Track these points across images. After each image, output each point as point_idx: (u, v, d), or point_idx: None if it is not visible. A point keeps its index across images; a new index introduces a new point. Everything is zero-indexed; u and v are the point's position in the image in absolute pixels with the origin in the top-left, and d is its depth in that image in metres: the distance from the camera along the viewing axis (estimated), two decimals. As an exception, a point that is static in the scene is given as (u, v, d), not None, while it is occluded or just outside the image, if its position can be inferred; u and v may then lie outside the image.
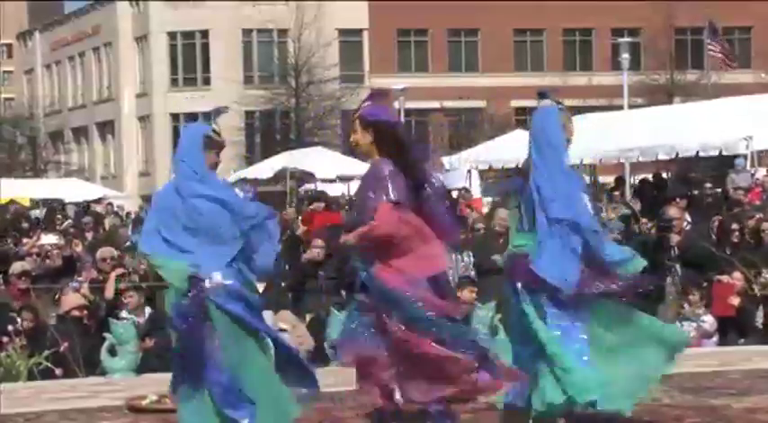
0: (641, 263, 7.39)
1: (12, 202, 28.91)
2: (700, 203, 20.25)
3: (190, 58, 56.97)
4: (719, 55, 36.53)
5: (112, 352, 11.11)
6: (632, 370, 7.27)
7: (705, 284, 13.58)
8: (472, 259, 13.53)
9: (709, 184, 21.22)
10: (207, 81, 56.78)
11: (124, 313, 12.44)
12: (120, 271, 13.79)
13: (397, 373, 6.85)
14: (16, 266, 14.03)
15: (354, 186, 31.25)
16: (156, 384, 10.22)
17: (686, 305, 13.24)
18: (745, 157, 22.56)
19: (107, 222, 26.25)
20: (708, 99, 31.42)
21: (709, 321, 13.13)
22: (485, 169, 29.81)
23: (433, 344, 6.80)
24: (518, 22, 57.06)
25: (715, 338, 13.08)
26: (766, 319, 13.29)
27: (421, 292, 6.84)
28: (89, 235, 21.93)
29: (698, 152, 23.02)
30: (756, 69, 54.38)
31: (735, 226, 15.15)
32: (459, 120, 55.10)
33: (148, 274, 14.48)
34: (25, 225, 22.05)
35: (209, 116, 7.07)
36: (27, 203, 32.47)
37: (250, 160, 49.84)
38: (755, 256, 14.21)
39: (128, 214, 32.89)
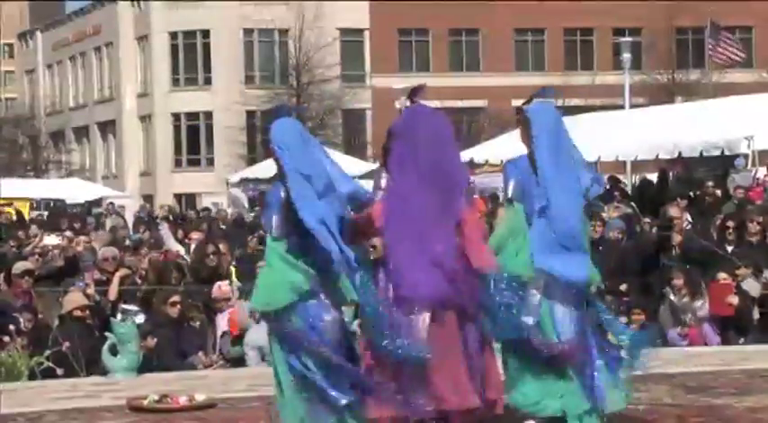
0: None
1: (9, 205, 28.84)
2: (701, 203, 20.22)
3: (191, 57, 56.95)
4: (725, 52, 36.44)
5: (114, 351, 11.10)
6: None
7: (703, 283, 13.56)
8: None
9: (710, 183, 21.18)
10: (208, 81, 56.78)
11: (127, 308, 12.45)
12: (124, 272, 13.79)
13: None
14: (19, 266, 14.01)
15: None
16: (157, 384, 10.24)
17: (672, 296, 13.22)
18: (745, 156, 22.53)
19: (108, 222, 26.28)
20: (709, 99, 31.40)
21: (703, 308, 13.12)
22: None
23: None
24: (519, 22, 57.04)
25: (717, 338, 13.06)
26: (762, 318, 13.28)
27: None
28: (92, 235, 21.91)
29: (702, 152, 22.99)
30: (757, 69, 54.41)
31: (730, 223, 15.11)
32: (461, 119, 55.09)
33: (148, 274, 14.51)
34: (34, 227, 22.02)
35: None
36: (26, 206, 32.38)
37: (251, 160, 49.86)
38: (757, 254, 14.20)
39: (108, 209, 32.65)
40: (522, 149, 7.68)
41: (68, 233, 20.23)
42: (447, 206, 7.00)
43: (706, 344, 12.86)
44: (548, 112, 7.53)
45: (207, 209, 36.37)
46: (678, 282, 13.19)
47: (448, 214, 7.01)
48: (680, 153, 23.68)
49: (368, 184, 7.41)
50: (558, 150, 7.39)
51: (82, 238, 18.59)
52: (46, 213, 33.30)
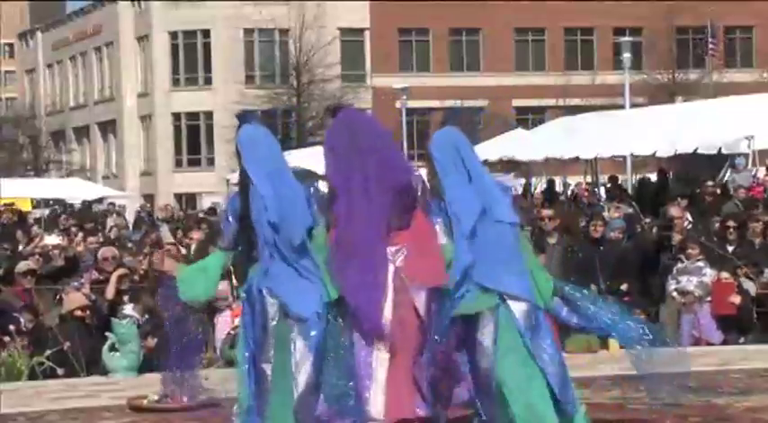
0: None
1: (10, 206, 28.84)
2: (701, 203, 20.21)
3: (191, 57, 56.97)
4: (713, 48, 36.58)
5: (114, 351, 11.10)
6: None
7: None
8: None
9: (710, 183, 21.19)
10: (208, 81, 56.80)
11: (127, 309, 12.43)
12: (122, 271, 13.76)
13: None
14: (21, 266, 14.02)
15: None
16: (158, 384, 10.22)
17: (685, 259, 13.30)
18: (745, 156, 22.54)
19: (108, 222, 26.27)
20: (709, 98, 31.42)
21: (708, 274, 13.15)
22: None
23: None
24: (519, 22, 57.06)
25: (721, 336, 13.05)
26: (761, 317, 13.29)
27: None
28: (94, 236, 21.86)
29: (696, 149, 22.99)
30: (758, 69, 54.45)
31: (731, 223, 15.11)
32: (461, 119, 55.06)
33: (149, 274, 14.49)
34: (34, 227, 22.03)
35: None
36: (28, 205, 32.44)
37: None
38: (758, 254, 14.19)
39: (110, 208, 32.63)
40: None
41: (79, 234, 20.22)
42: (399, 211, 6.62)
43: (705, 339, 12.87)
44: (448, 139, 6.98)
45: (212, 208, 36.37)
46: (693, 251, 13.31)
47: (399, 220, 6.62)
48: (675, 151, 23.70)
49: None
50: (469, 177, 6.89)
51: (91, 238, 18.53)
52: (47, 211, 33.37)
